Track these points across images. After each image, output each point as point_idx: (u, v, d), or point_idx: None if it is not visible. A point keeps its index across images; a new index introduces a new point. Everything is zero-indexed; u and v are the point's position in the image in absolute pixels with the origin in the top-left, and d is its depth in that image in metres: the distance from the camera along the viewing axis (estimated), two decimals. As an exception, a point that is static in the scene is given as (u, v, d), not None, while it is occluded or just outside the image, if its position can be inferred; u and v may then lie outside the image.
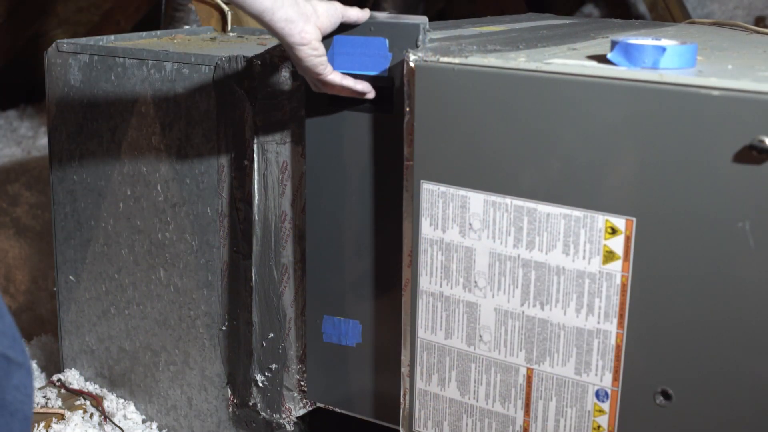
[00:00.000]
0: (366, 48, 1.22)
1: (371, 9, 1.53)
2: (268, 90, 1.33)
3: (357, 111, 1.24)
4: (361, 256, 1.28)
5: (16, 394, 0.90)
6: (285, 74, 1.31)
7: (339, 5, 1.20)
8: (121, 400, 1.64)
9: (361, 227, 1.27)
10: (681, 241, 1.01)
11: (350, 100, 1.24)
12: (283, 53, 1.30)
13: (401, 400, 1.25)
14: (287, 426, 1.44)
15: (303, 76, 1.22)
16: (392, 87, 1.21)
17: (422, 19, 1.19)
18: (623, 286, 1.05)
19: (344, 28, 1.21)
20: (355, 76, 1.22)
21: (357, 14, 1.21)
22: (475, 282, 1.15)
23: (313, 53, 1.16)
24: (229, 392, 1.50)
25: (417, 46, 1.18)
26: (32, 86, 3.68)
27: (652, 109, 1.00)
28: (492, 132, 1.10)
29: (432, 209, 1.17)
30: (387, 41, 1.20)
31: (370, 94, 1.22)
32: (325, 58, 1.18)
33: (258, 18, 1.14)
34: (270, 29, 1.15)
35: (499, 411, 1.17)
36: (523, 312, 1.12)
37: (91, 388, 1.65)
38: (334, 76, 1.19)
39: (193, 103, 1.43)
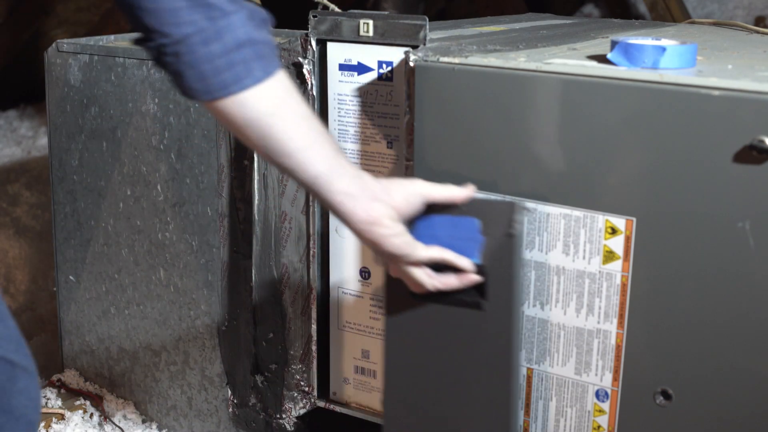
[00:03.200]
0: (453, 230, 1.05)
1: (371, 9, 1.51)
2: (268, 90, 1.33)
3: (443, 304, 1.09)
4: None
5: (21, 399, 0.89)
6: (285, 74, 1.31)
7: (421, 185, 1.03)
8: (121, 400, 1.64)
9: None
10: (681, 241, 1.01)
11: (432, 294, 1.07)
12: (282, 49, 1.30)
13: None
14: (287, 426, 1.44)
15: (391, 267, 1.05)
16: (486, 277, 1.05)
17: (423, 19, 1.19)
18: (623, 286, 1.05)
19: (431, 209, 1.05)
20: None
21: (446, 194, 1.04)
22: (475, 282, 1.15)
23: (389, 232, 0.97)
24: (229, 392, 1.50)
25: (513, 229, 1.04)
26: (32, 86, 3.68)
27: (652, 109, 1.00)
28: (492, 132, 1.10)
29: (432, 209, 1.17)
30: (478, 222, 1.05)
31: (472, 276, 1.04)
32: (409, 237, 1.00)
33: (310, 187, 0.95)
34: (328, 204, 0.96)
35: (499, 411, 1.17)
36: (523, 312, 1.12)
37: (91, 388, 1.65)
38: (430, 252, 1.01)
39: (193, 102, 1.43)
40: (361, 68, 1.26)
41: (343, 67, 1.27)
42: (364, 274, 1.32)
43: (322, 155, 0.93)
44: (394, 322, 1.14)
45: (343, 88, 1.28)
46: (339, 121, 1.29)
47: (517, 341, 1.09)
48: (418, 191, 1.02)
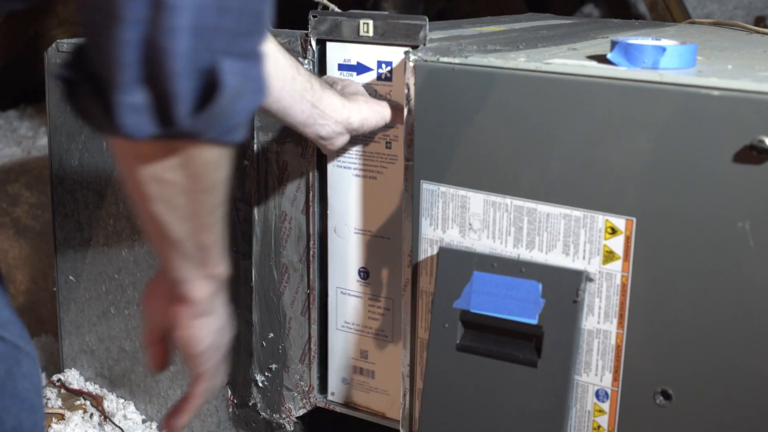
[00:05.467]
0: (513, 290, 1.08)
1: (371, 9, 1.51)
2: (268, 90, 1.33)
3: (493, 359, 1.10)
4: None
5: (25, 383, 0.90)
6: (285, 74, 1.31)
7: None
8: (121, 400, 1.64)
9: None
10: (681, 241, 1.01)
11: (482, 348, 1.10)
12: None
13: (401, 400, 1.25)
14: (287, 426, 1.44)
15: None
16: (541, 338, 1.07)
17: (423, 19, 1.19)
18: (623, 286, 1.05)
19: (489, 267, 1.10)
20: (495, 320, 1.09)
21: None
22: (476, 282, 1.15)
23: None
24: (229, 392, 1.50)
25: (578, 296, 1.06)
26: (32, 86, 3.68)
27: (652, 109, 1.00)
28: (492, 132, 1.10)
29: (432, 209, 1.17)
30: (540, 285, 1.08)
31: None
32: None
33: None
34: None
35: (499, 411, 1.17)
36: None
37: (91, 388, 1.65)
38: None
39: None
40: (360, 68, 1.25)
41: (342, 67, 1.27)
42: (363, 274, 1.32)
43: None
44: (435, 373, 1.14)
45: None
46: None
47: (569, 405, 1.09)
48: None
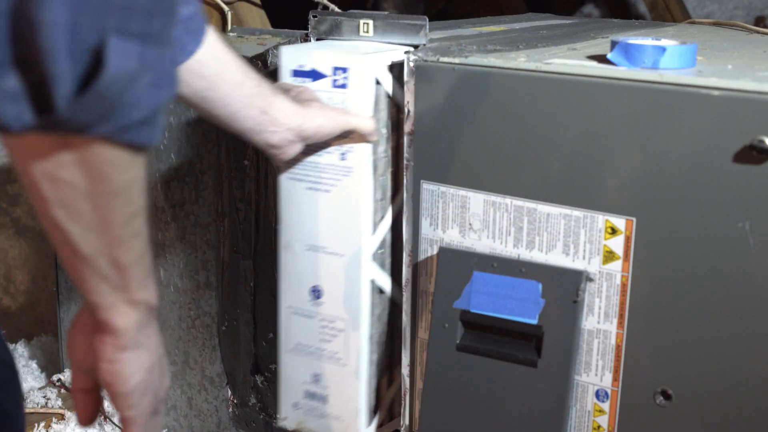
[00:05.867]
0: (513, 290, 1.08)
1: (371, 9, 1.50)
2: (268, 90, 1.33)
3: (493, 359, 1.11)
4: None
5: (1, 393, 0.89)
6: (285, 74, 1.31)
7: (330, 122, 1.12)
8: (121, 400, 1.63)
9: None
10: (681, 241, 1.01)
11: (482, 348, 1.11)
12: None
13: (401, 400, 1.25)
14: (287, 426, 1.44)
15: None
16: (541, 338, 1.07)
17: (423, 19, 1.19)
18: (623, 286, 1.05)
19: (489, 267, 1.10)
20: (495, 320, 1.09)
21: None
22: (475, 282, 1.15)
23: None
24: (229, 392, 1.50)
25: (578, 296, 1.06)
26: (32, 86, 3.66)
27: (652, 109, 1.00)
28: (492, 132, 1.10)
29: (432, 209, 1.17)
30: (540, 285, 1.08)
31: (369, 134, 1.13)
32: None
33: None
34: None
35: (499, 411, 1.17)
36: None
37: (91, 388, 1.65)
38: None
39: (193, 103, 1.43)
40: (315, 75, 1.16)
41: (297, 74, 1.17)
42: (316, 293, 1.22)
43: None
44: (435, 373, 1.14)
45: None
46: None
47: (569, 405, 1.09)
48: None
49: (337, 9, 1.36)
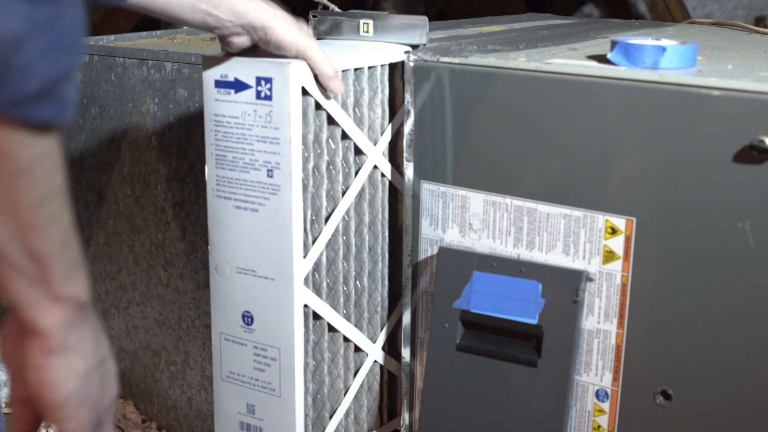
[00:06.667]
0: (513, 290, 1.08)
1: (371, 9, 1.50)
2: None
3: (493, 359, 1.11)
4: None
5: None
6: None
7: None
8: (121, 400, 1.64)
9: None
10: (681, 241, 1.01)
11: (482, 348, 1.11)
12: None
13: (401, 400, 1.25)
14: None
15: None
16: (541, 338, 1.07)
17: (423, 19, 1.19)
18: (623, 286, 1.05)
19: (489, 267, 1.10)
20: (495, 320, 1.09)
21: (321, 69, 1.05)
22: (475, 282, 1.15)
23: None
24: (229, 392, 1.49)
25: (578, 296, 1.06)
26: (32, 86, 3.66)
27: (652, 109, 1.00)
28: (492, 132, 1.10)
29: (432, 209, 1.17)
30: (540, 285, 1.08)
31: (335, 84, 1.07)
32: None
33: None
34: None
35: (499, 411, 1.17)
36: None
37: (91, 388, 1.65)
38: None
39: (193, 103, 1.43)
40: (239, 85, 1.08)
41: (219, 84, 1.09)
42: (248, 319, 1.14)
43: None
44: (435, 373, 1.14)
45: (220, 108, 1.09)
46: (217, 146, 1.10)
47: (570, 404, 1.09)
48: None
49: (337, 9, 1.36)
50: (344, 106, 1.14)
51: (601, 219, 1.05)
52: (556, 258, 1.09)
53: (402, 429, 1.26)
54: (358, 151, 1.18)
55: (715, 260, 0.99)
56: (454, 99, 1.12)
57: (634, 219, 1.03)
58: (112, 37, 1.63)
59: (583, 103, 1.04)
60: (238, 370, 1.17)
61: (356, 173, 1.18)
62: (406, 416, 1.25)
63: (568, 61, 1.08)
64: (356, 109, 1.17)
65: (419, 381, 1.22)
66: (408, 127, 1.17)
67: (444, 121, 1.14)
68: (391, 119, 1.22)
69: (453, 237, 1.16)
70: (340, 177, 1.15)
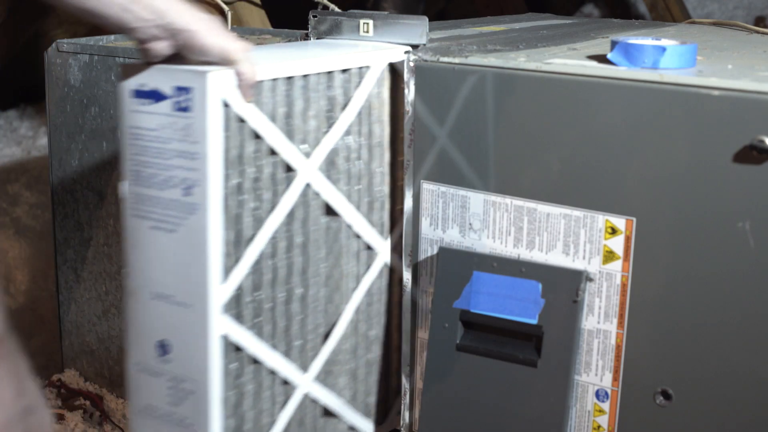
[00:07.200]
0: (513, 290, 1.08)
1: (371, 9, 1.49)
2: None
3: (493, 359, 1.11)
4: None
5: None
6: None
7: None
8: (121, 400, 1.64)
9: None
10: (681, 241, 1.01)
11: (482, 348, 1.11)
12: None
13: (401, 400, 1.25)
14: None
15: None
16: (541, 338, 1.07)
17: (423, 19, 1.19)
18: (623, 286, 1.05)
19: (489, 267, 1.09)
20: (495, 320, 1.10)
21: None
22: (475, 282, 1.15)
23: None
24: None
25: (577, 296, 1.06)
26: (32, 86, 3.68)
27: (652, 109, 1.00)
28: (492, 132, 1.10)
29: (432, 209, 1.17)
30: (540, 285, 1.08)
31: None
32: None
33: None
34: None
35: (499, 411, 1.17)
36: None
37: (91, 388, 1.65)
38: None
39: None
40: (156, 95, 1.00)
41: (137, 94, 1.01)
42: (163, 348, 1.05)
43: None
44: (435, 373, 1.14)
45: (137, 120, 1.01)
46: (134, 161, 1.02)
47: (570, 404, 1.09)
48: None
49: (337, 9, 1.36)
50: (273, 118, 1.05)
51: (601, 219, 1.05)
52: (556, 258, 1.09)
53: (402, 429, 1.26)
54: (290, 168, 1.08)
55: (715, 260, 0.99)
56: (454, 99, 1.12)
57: (634, 219, 1.03)
58: (112, 37, 1.63)
59: (583, 103, 1.04)
60: (154, 402, 1.07)
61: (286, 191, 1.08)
62: (406, 416, 1.25)
63: (568, 61, 1.08)
64: (288, 121, 1.07)
65: (419, 381, 1.22)
66: (408, 127, 1.17)
67: (444, 121, 1.14)
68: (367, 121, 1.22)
69: (453, 237, 1.16)
70: (268, 195, 1.06)
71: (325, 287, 1.17)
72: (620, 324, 1.06)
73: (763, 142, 0.94)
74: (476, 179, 1.13)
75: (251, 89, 0.99)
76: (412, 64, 1.15)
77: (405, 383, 1.24)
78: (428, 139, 1.15)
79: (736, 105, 0.95)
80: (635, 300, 1.05)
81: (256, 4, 1.98)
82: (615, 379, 1.07)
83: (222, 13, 1.90)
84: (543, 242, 1.09)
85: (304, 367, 1.15)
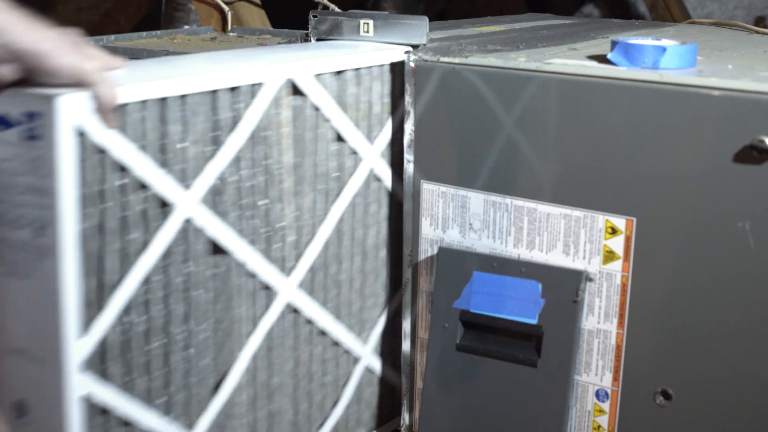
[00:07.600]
0: (513, 290, 1.08)
1: (371, 9, 1.49)
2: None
3: (493, 359, 1.10)
4: None
5: None
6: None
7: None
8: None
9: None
10: (681, 241, 1.01)
11: (482, 348, 1.11)
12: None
13: (401, 400, 1.25)
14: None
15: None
16: (541, 338, 1.07)
17: (423, 19, 1.19)
18: (623, 286, 1.05)
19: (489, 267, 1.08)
20: (495, 320, 1.09)
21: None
22: (475, 282, 1.15)
23: None
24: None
25: (577, 296, 1.05)
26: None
27: (652, 109, 1.00)
28: (492, 132, 1.10)
29: (432, 209, 1.17)
30: (540, 285, 1.08)
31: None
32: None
33: None
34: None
35: (499, 411, 1.17)
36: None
37: (91, 388, 1.65)
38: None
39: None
40: (5, 122, 0.86)
41: None
42: (21, 410, 0.92)
43: None
44: (435, 373, 1.14)
45: None
46: None
47: (570, 404, 1.09)
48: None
49: (337, 9, 1.36)
50: (144, 146, 0.92)
51: (601, 219, 1.05)
52: (556, 258, 1.09)
53: (402, 429, 1.26)
54: (165, 203, 0.95)
55: (715, 260, 0.99)
56: (454, 99, 1.12)
57: (634, 219, 1.03)
58: (113, 36, 1.63)
59: (583, 103, 1.04)
60: None
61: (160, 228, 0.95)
62: (406, 416, 1.25)
63: (568, 61, 1.08)
64: (162, 149, 0.94)
65: (419, 381, 1.22)
66: (408, 127, 1.17)
67: (444, 121, 1.14)
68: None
69: (453, 237, 1.16)
70: (137, 235, 0.92)
71: (213, 334, 1.03)
72: (620, 324, 1.06)
73: (763, 142, 0.94)
74: (476, 179, 1.13)
75: (112, 114, 0.86)
76: (412, 64, 1.15)
77: (405, 383, 1.24)
78: (428, 139, 1.15)
79: (736, 105, 0.95)
80: (635, 300, 1.05)
81: (256, 4, 1.98)
82: (615, 379, 1.07)
83: (222, 13, 1.90)
84: (543, 242, 1.09)
85: (189, 424, 1.01)
